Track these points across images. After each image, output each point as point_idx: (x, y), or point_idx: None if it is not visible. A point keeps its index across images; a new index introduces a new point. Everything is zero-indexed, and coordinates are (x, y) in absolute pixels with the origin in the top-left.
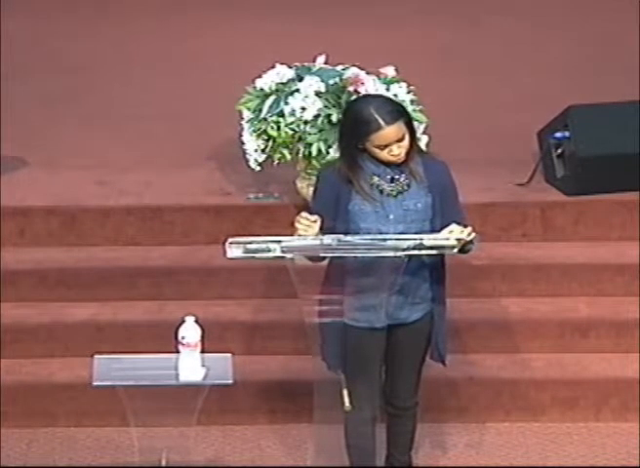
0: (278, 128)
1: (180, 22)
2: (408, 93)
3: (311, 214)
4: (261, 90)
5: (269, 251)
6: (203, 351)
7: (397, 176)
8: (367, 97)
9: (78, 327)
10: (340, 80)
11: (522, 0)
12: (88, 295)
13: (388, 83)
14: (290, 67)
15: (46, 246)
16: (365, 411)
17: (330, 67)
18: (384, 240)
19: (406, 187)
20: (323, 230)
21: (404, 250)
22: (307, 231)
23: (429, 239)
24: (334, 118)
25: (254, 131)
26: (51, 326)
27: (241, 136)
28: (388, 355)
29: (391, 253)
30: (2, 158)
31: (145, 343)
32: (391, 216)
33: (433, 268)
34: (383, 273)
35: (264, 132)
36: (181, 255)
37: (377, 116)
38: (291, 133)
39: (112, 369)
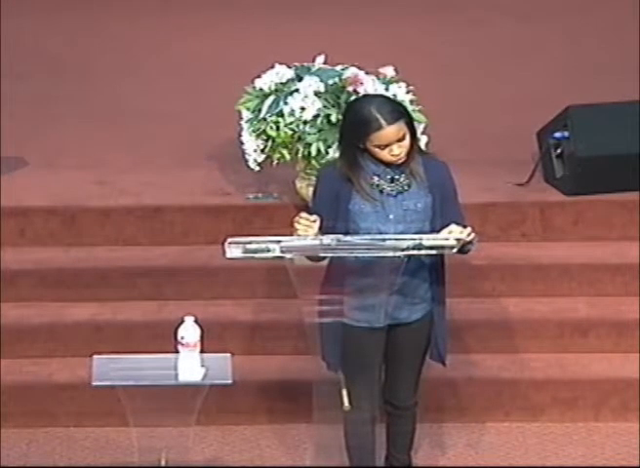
0: (277, 128)
1: (180, 22)
2: (407, 93)
3: (311, 213)
4: (261, 90)
5: (269, 251)
6: (202, 351)
7: (397, 176)
8: (368, 96)
9: (78, 327)
10: (340, 80)
11: (522, 0)
12: (88, 295)
13: (388, 83)
14: (289, 67)
15: (46, 246)
16: (364, 411)
17: (329, 67)
18: (384, 240)
19: (406, 187)
20: (323, 230)
21: (403, 250)
22: (307, 231)
23: (429, 239)
24: (333, 118)
25: (253, 131)
26: (50, 326)
27: (240, 136)
28: (388, 355)
29: (391, 253)
30: (2, 158)
31: (145, 343)
32: (391, 216)
33: (433, 268)
34: (383, 273)
35: (264, 132)
36: (181, 255)
37: (377, 116)
38: (290, 133)
39: (112, 369)
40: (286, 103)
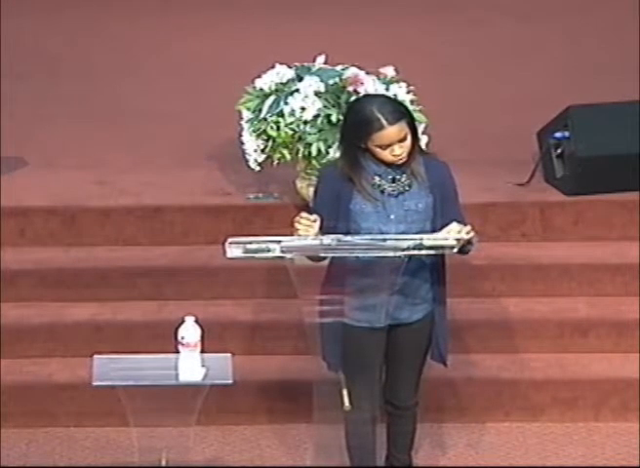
0: (278, 128)
1: (180, 22)
2: (407, 93)
3: (312, 213)
4: (261, 90)
5: (269, 251)
6: (203, 351)
7: (398, 177)
8: (369, 96)
9: (78, 327)
10: (340, 80)
11: (522, 0)
12: (88, 295)
13: (388, 83)
14: (289, 67)
15: (46, 246)
16: (365, 411)
17: (329, 67)
18: (384, 240)
19: (407, 187)
20: (323, 230)
21: (404, 250)
22: (307, 231)
23: (429, 239)
24: (333, 118)
25: (253, 131)
26: (50, 326)
27: (241, 136)
28: (389, 355)
29: (391, 253)
30: (2, 158)
31: (145, 343)
32: (392, 216)
33: (434, 268)
34: (384, 273)
35: (264, 132)
36: (181, 255)
37: (379, 115)
38: (290, 133)
39: (112, 368)
40: (286, 103)
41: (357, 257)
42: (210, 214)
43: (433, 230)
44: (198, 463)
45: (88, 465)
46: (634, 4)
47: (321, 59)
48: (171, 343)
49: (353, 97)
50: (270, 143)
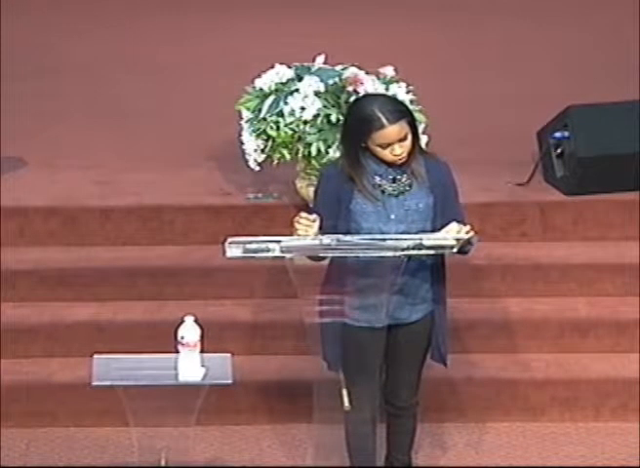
0: (277, 128)
1: (180, 23)
2: (407, 93)
3: (312, 212)
4: (261, 90)
5: (269, 250)
6: (202, 351)
7: (399, 177)
8: (370, 95)
9: (78, 326)
10: (340, 80)
11: (522, 0)
12: (87, 295)
13: (388, 83)
14: (289, 67)
15: (46, 246)
16: (365, 412)
17: (329, 67)
18: (384, 240)
19: (408, 187)
20: (323, 229)
21: (403, 249)
22: (307, 231)
23: (429, 239)
24: (333, 118)
25: (253, 131)
26: (50, 326)
27: (240, 135)
28: (388, 355)
29: (391, 253)
30: (2, 158)
31: (145, 343)
32: (393, 216)
33: (434, 268)
34: (383, 273)
35: (264, 132)
36: (181, 255)
37: (379, 114)
38: (290, 132)
39: (112, 368)
40: (286, 103)
41: (357, 257)
42: (210, 214)
43: (433, 230)
44: (198, 463)
45: (88, 465)
46: (634, 4)
47: (321, 59)
48: (170, 343)
49: (353, 97)
50: (270, 143)
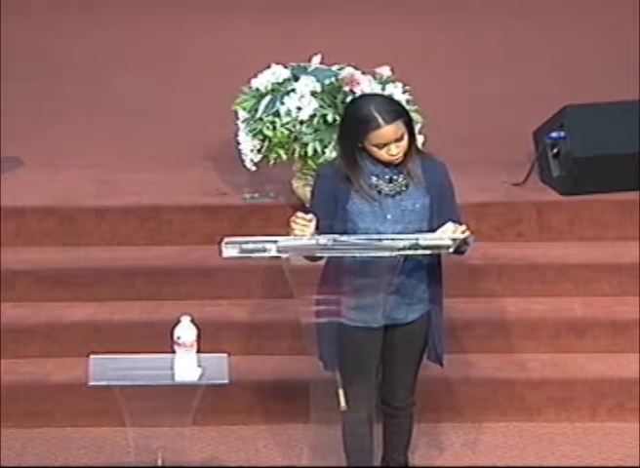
0: (274, 128)
1: (177, 23)
2: (403, 93)
3: (308, 212)
4: (257, 90)
5: (265, 251)
6: (199, 351)
7: (395, 177)
8: (367, 95)
9: (75, 327)
10: (336, 80)
11: (520, 0)
12: (84, 295)
13: (384, 83)
14: (285, 67)
15: (43, 246)
16: (361, 412)
17: (325, 67)
18: (380, 240)
19: (404, 188)
20: (320, 229)
21: (399, 249)
22: (303, 231)
23: (425, 239)
24: (329, 118)
25: (249, 131)
26: (47, 326)
27: (237, 136)
28: (385, 355)
29: (387, 253)
30: (0, 158)
31: (141, 343)
32: (389, 216)
33: (430, 268)
34: (380, 273)
35: (260, 132)
36: (178, 255)
37: (376, 114)
38: (287, 133)
39: (108, 368)
40: (282, 103)
41: (353, 257)
42: (206, 214)
43: (430, 230)
44: (194, 463)
45: (84, 465)
46: (634, 4)
47: (317, 59)
48: (167, 343)
49: (349, 97)
50: (266, 143)
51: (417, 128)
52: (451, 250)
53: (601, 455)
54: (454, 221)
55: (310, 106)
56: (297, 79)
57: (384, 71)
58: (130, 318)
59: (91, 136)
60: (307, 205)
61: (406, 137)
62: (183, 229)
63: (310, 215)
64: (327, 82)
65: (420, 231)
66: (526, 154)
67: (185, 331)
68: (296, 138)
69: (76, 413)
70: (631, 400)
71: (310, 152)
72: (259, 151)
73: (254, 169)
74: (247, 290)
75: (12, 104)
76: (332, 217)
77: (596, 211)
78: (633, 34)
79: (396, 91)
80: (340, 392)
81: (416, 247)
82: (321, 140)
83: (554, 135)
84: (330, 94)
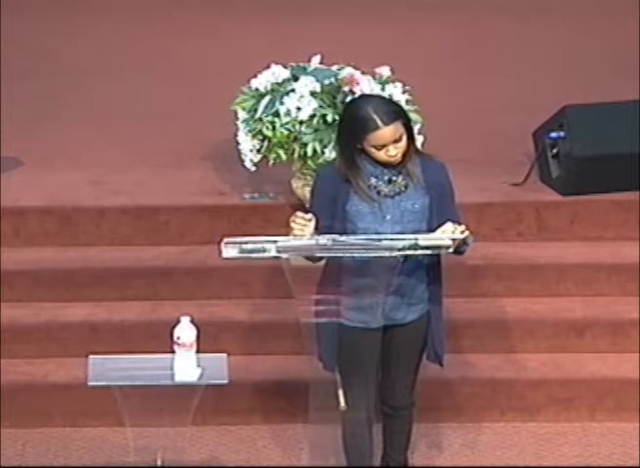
0: (273, 128)
1: (176, 23)
2: (403, 93)
3: (308, 212)
4: (257, 90)
5: (265, 251)
6: (198, 351)
7: (394, 178)
8: (365, 96)
9: (73, 327)
10: (336, 80)
11: (520, 0)
12: (83, 296)
13: (384, 83)
14: (285, 67)
15: (41, 246)
16: (360, 412)
17: (325, 67)
18: (380, 240)
19: (403, 188)
20: (320, 230)
21: (399, 250)
22: (303, 230)
23: (424, 239)
24: (329, 118)
25: (249, 131)
26: (46, 326)
27: (236, 136)
28: (384, 355)
29: (387, 254)
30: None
31: (141, 343)
32: (388, 217)
33: (430, 269)
34: (379, 273)
35: (260, 132)
36: (177, 256)
37: (374, 116)
38: (286, 133)
39: (107, 369)
40: (282, 103)
41: (353, 257)
42: (205, 214)
43: (429, 231)
44: (194, 463)
45: (83, 465)
46: (634, 4)
47: (317, 59)
48: (166, 343)
49: (349, 98)
50: (266, 143)
51: (416, 128)
52: (450, 250)
53: (600, 455)
54: (453, 222)
55: (310, 106)
56: (296, 79)
57: (384, 71)
58: (129, 318)
59: (90, 137)
60: (307, 205)
61: (404, 138)
62: (183, 229)
63: (310, 215)
64: (326, 82)
65: (419, 232)
66: (525, 154)
67: (185, 332)
68: (295, 139)
69: (75, 414)
70: (631, 400)
71: (310, 152)
72: (258, 151)
73: (253, 169)
74: (246, 290)
75: (10, 105)
76: (331, 218)
77: (596, 211)
78: (633, 34)
79: (396, 91)
80: (340, 392)
81: (415, 247)
82: (321, 141)
83: (554, 135)
84: (329, 94)
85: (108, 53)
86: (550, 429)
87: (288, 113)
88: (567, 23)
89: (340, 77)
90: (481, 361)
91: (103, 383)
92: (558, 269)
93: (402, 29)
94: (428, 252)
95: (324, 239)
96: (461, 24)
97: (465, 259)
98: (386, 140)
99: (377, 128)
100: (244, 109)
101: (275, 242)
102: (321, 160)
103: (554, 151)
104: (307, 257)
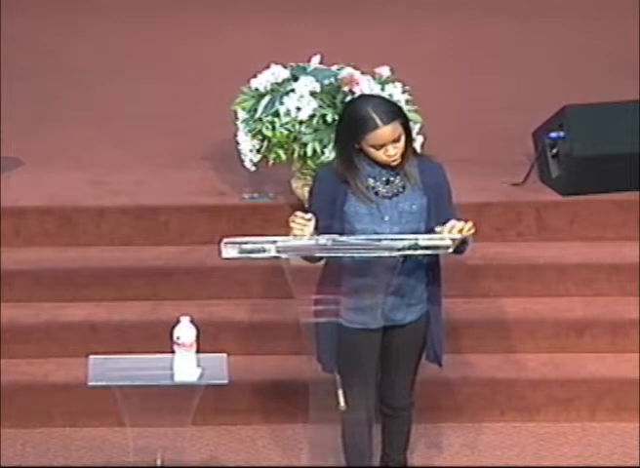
0: (273, 128)
1: (176, 23)
2: (403, 93)
3: (307, 212)
4: (257, 90)
5: (264, 251)
6: (198, 351)
7: (392, 178)
8: (364, 96)
9: (73, 327)
10: (336, 80)
11: (519, 0)
12: (83, 296)
13: (383, 83)
14: (285, 67)
15: (41, 246)
16: (360, 412)
17: (325, 67)
18: (379, 240)
19: (401, 189)
20: (319, 230)
21: (399, 250)
22: (302, 230)
23: (424, 239)
24: (329, 118)
25: (249, 131)
26: (46, 326)
27: (236, 136)
28: (383, 356)
29: (386, 254)
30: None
31: (141, 343)
32: (386, 218)
33: (429, 269)
34: (379, 273)
35: (259, 132)
36: (177, 256)
37: (373, 115)
38: (286, 133)
39: (107, 369)
40: (282, 103)
41: (353, 258)
42: (205, 215)
43: (428, 231)
44: (194, 463)
45: (83, 465)
46: (634, 4)
47: (316, 60)
48: (166, 343)
49: (349, 98)
50: (266, 143)
51: (416, 128)
52: (450, 250)
53: (600, 455)
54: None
55: (310, 106)
56: (296, 79)
57: (384, 71)
58: (129, 318)
59: (89, 137)
60: (306, 205)
61: (403, 138)
62: (183, 229)
63: (309, 215)
64: (326, 82)
65: (417, 232)
66: (525, 154)
67: (185, 332)
68: (295, 139)
69: (75, 414)
70: (630, 400)
71: (310, 152)
72: (258, 151)
73: (253, 169)
74: (246, 290)
75: (10, 105)
76: (330, 219)
77: (596, 211)
78: (633, 34)
79: (396, 91)
80: (340, 392)
81: (415, 247)
82: (320, 141)
83: (553, 135)
84: (329, 94)
85: (108, 53)
86: (550, 429)
87: (288, 113)
88: (567, 23)
89: (339, 77)
90: (481, 361)
91: (103, 383)
92: (558, 269)
93: (402, 29)
94: (428, 252)
95: (324, 239)
96: (461, 24)
97: (465, 259)
98: (385, 140)
99: (376, 127)
100: (244, 109)
101: (275, 242)
102: (321, 160)
103: (554, 151)
104: (306, 258)
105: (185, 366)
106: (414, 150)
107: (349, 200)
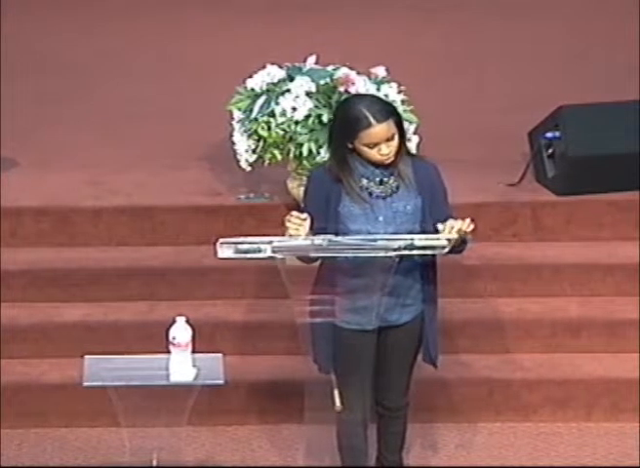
0: (269, 128)
1: (173, 24)
2: (399, 93)
3: (303, 212)
4: (252, 90)
5: (260, 251)
6: (194, 351)
7: (386, 179)
8: (358, 95)
9: (69, 327)
10: (331, 80)
11: (515, 0)
12: (79, 296)
13: (379, 83)
14: (281, 67)
15: (37, 246)
16: (356, 412)
17: (320, 67)
18: (375, 240)
19: (395, 189)
20: (314, 230)
21: (395, 250)
22: (298, 230)
23: (420, 239)
24: (324, 118)
25: (244, 131)
26: (42, 326)
27: (232, 136)
28: (379, 356)
29: (382, 254)
30: None
31: (136, 344)
32: (380, 218)
33: (425, 269)
34: (375, 274)
35: (255, 132)
36: (173, 256)
37: (367, 113)
38: (281, 133)
39: (103, 369)
40: (277, 103)
41: (348, 258)
42: (201, 215)
43: (423, 232)
44: (189, 463)
45: (79, 465)
46: (634, 4)
47: (312, 60)
48: (162, 343)
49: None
50: (261, 143)
51: (412, 128)
52: (446, 250)
53: (596, 455)
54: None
55: (305, 107)
56: (292, 79)
57: (380, 71)
58: (124, 318)
59: (85, 137)
60: (302, 205)
61: (397, 137)
62: (178, 230)
63: (305, 215)
64: (322, 82)
65: (412, 233)
66: (521, 154)
67: (180, 332)
68: (291, 139)
69: (71, 414)
70: (627, 400)
71: (305, 152)
72: (254, 151)
73: (249, 169)
74: (242, 290)
75: (7, 105)
76: (324, 219)
77: (591, 211)
78: (633, 34)
79: (391, 91)
80: (335, 392)
81: (411, 247)
82: (316, 141)
83: (549, 135)
84: (325, 94)
85: (107, 53)
86: (546, 429)
87: (283, 113)
88: (566, 23)
89: (335, 77)
90: (477, 361)
91: (99, 383)
92: (554, 269)
93: (398, 29)
94: (424, 252)
95: (319, 239)
96: (457, 25)
97: (461, 260)
98: (379, 138)
99: (369, 125)
100: (239, 109)
101: (271, 242)
102: (316, 160)
103: (550, 151)
104: (302, 259)
105: (181, 366)
106: (407, 150)
107: (343, 200)
